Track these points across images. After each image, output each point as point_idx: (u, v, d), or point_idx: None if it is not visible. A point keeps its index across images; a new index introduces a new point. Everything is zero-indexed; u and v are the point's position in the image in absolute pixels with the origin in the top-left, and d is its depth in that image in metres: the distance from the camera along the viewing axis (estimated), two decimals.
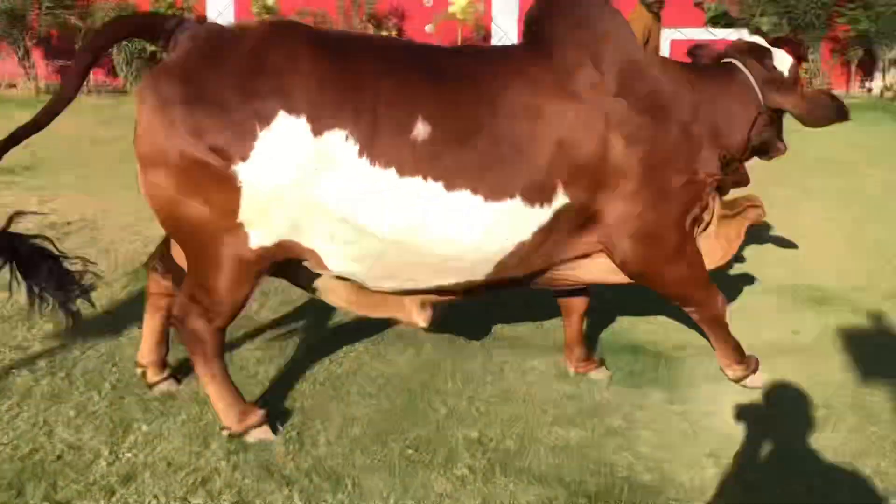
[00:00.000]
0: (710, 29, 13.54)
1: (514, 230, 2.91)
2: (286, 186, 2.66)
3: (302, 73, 2.65)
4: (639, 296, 4.36)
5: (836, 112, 3.31)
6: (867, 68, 15.01)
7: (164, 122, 2.64)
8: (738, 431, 3.13)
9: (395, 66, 2.82)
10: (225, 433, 2.93)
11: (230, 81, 2.63)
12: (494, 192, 2.81)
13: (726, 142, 3.23)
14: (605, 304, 4.37)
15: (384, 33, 13.91)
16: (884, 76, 14.66)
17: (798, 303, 4.44)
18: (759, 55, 3.37)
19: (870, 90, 14.95)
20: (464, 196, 2.79)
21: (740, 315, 4.21)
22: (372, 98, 2.70)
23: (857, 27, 13.84)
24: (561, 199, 2.92)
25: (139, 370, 3.29)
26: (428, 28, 14.60)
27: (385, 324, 3.88)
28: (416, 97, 2.76)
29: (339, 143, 2.66)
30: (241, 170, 2.62)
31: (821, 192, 6.95)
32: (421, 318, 3.09)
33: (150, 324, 3.27)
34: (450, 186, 2.76)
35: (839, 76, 15.06)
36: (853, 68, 14.80)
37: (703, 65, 3.50)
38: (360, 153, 2.68)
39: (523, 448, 3.01)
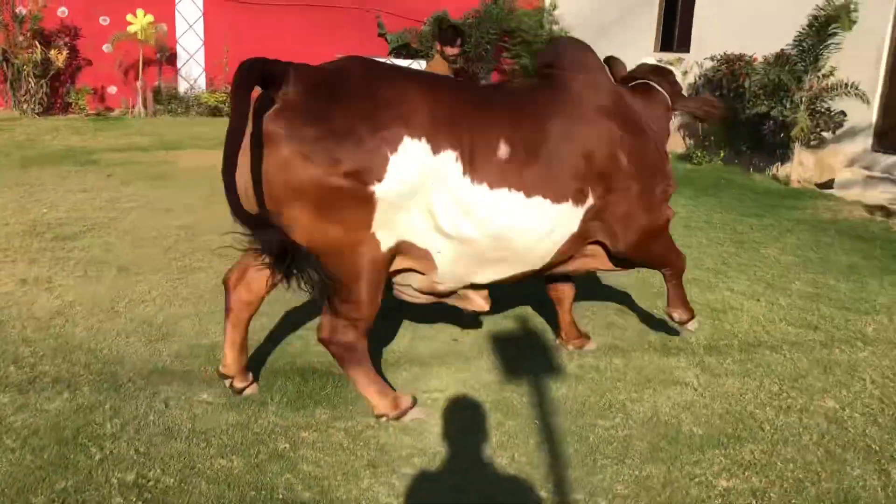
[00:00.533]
0: (392, 59, 14.25)
1: (566, 227, 3.63)
2: (409, 197, 3.15)
3: (416, 105, 3.15)
4: (308, 320, 4.50)
5: (720, 110, 4.26)
6: None
7: (299, 158, 2.96)
8: (395, 440, 3.32)
9: (474, 99, 3.49)
10: (382, 420, 3.40)
11: (356, 115, 3.04)
12: (556, 197, 3.53)
13: (664, 142, 4.10)
14: (280, 330, 4.43)
15: (53, 52, 12.83)
16: None
17: (460, 311, 4.81)
18: (663, 74, 4.27)
19: None
20: (536, 201, 3.47)
21: (408, 330, 4.50)
22: (467, 125, 3.28)
23: (520, 62, 15.38)
24: (589, 201, 3.66)
25: (226, 381, 3.63)
26: (106, 47, 13.73)
27: (30, 369, 3.59)
28: (496, 125, 3.40)
29: (450, 161, 3.22)
30: (377, 189, 3.05)
31: None
32: (486, 302, 3.82)
33: (233, 336, 3.61)
34: (527, 194, 3.44)
35: None
36: None
37: (631, 86, 4.16)
38: (464, 170, 3.26)
39: (184, 483, 2.94)
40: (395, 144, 3.07)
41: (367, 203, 3.07)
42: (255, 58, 3.03)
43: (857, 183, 9.15)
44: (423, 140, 3.14)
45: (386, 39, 15.43)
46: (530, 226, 3.48)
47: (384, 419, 3.42)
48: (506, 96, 3.74)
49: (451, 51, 6.39)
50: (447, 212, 3.25)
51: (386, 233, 3.18)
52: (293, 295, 4.83)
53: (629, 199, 3.77)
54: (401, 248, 3.30)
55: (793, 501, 2.98)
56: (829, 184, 9.63)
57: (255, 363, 3.95)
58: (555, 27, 15.76)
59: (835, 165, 9.87)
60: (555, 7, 15.96)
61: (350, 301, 3.26)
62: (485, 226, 3.36)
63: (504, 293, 5.14)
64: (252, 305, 3.62)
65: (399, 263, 3.42)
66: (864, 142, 9.66)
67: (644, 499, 2.97)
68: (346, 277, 3.19)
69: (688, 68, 12.18)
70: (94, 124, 12.47)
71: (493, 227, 3.39)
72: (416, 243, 3.31)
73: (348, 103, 3.07)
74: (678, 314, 4.22)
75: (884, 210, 8.17)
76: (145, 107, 13.64)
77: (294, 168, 2.97)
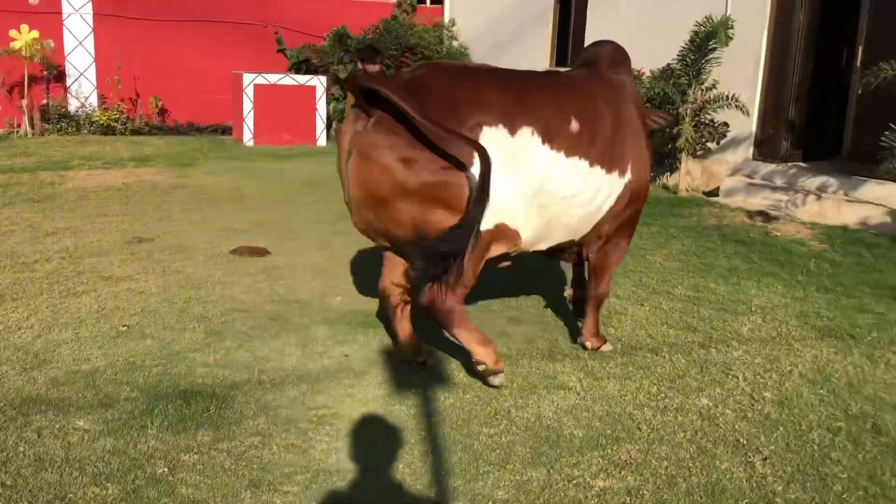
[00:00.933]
0: (292, 75, 14.15)
1: (613, 198, 4.16)
2: (497, 177, 3.55)
3: (488, 97, 3.69)
4: (193, 343, 4.42)
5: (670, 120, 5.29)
6: None
7: (401, 161, 3.49)
8: (279, 458, 3.29)
9: (544, 85, 4.05)
10: (480, 368, 3.81)
11: (441, 115, 3.47)
12: (611, 169, 4.06)
13: None
14: (164, 352, 4.33)
15: None
16: None
17: (351, 327, 4.82)
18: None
19: None
20: (598, 171, 4.00)
21: (300, 346, 4.47)
22: (539, 107, 3.80)
23: None
24: (628, 175, 4.19)
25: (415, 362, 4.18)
26: None
27: None
28: (566, 106, 3.93)
29: (527, 138, 3.72)
30: (470, 175, 3.51)
31: None
32: None
33: (403, 325, 4.15)
34: (591, 164, 3.96)
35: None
36: None
37: None
38: (542, 143, 3.76)
39: None
40: (476, 134, 3.56)
41: (463, 188, 3.54)
42: (353, 77, 3.54)
43: (740, 190, 9.61)
44: (500, 125, 3.66)
45: (285, 55, 15.31)
46: (591, 193, 4.02)
47: (482, 368, 3.81)
48: (562, 82, 4.29)
49: (371, 68, 6.66)
50: (529, 184, 3.75)
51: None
52: (178, 319, 4.77)
53: (642, 174, 4.34)
54: (497, 232, 3.77)
55: (665, 497, 3.11)
56: (715, 192, 10.08)
57: (137, 387, 3.85)
58: (454, 42, 15.99)
59: (720, 174, 10.34)
60: (453, 23, 16.20)
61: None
62: (561, 194, 3.88)
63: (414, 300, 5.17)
64: (406, 299, 4.13)
65: (495, 251, 3.88)
66: (746, 151, 10.17)
67: (524, 503, 3.04)
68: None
69: None
70: None
71: (566, 194, 3.90)
72: (508, 225, 3.79)
73: (432, 106, 3.50)
74: (590, 343, 4.52)
75: (764, 215, 8.61)
76: (32, 126, 13.09)
77: (399, 171, 3.50)
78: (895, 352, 4.70)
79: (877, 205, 8.14)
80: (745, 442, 3.56)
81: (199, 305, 5.09)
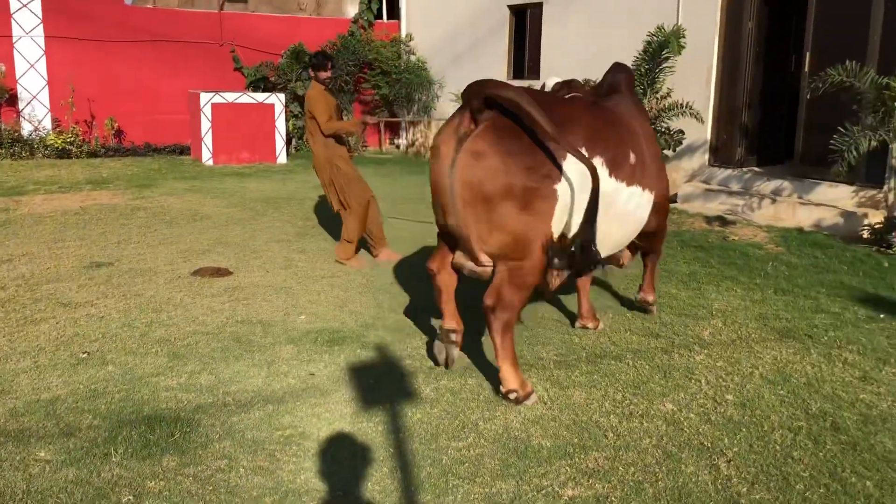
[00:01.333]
0: (250, 93, 14.08)
1: (650, 208, 4.80)
2: (572, 194, 3.98)
3: (578, 122, 4.17)
4: (155, 368, 4.37)
5: None
6: (394, 128, 16.90)
7: (507, 166, 3.84)
8: (246, 481, 3.26)
9: (609, 120, 4.51)
10: (512, 396, 3.98)
11: (540, 132, 3.86)
12: (653, 188, 4.73)
13: None
14: (126, 377, 4.27)
15: None
16: (407, 135, 16.64)
17: (317, 346, 4.79)
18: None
19: (398, 146, 16.84)
20: (647, 193, 4.67)
21: (264, 366, 4.44)
22: (606, 138, 4.31)
23: (380, 92, 15.55)
24: (658, 187, 4.88)
25: (452, 334, 4.39)
26: None
27: None
28: (625, 140, 4.50)
29: (599, 166, 4.12)
30: (558, 187, 3.93)
31: None
32: None
33: (448, 306, 4.38)
34: (643, 189, 4.60)
35: (372, 135, 16.75)
36: (382, 128, 16.56)
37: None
38: (609, 173, 4.27)
39: None
40: (566, 153, 3.91)
41: (552, 198, 3.92)
42: (481, 82, 3.91)
43: (697, 196, 9.78)
44: (583, 149, 4.03)
45: (242, 73, 15.26)
46: (642, 212, 4.67)
47: (514, 396, 3.97)
48: (617, 115, 4.68)
49: (323, 75, 6.78)
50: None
51: (557, 227, 4.00)
52: (140, 344, 4.71)
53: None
54: (561, 241, 4.11)
55: (632, 503, 3.14)
56: (673, 198, 10.23)
57: (99, 414, 3.79)
58: (412, 57, 16.06)
59: (677, 180, 10.51)
60: (410, 38, 16.27)
61: (525, 281, 3.98)
62: (618, 213, 4.40)
63: (364, 324, 5.17)
64: (454, 281, 4.36)
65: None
66: (702, 157, 10.36)
67: None
68: (529, 260, 3.94)
69: None
70: None
71: (622, 214, 4.45)
72: (569, 236, 4.12)
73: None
74: (651, 296, 5.44)
75: (721, 220, 8.77)
76: None
77: (504, 174, 3.82)
78: (851, 350, 4.81)
79: (829, 206, 8.34)
80: (709, 445, 3.61)
81: (160, 329, 5.03)
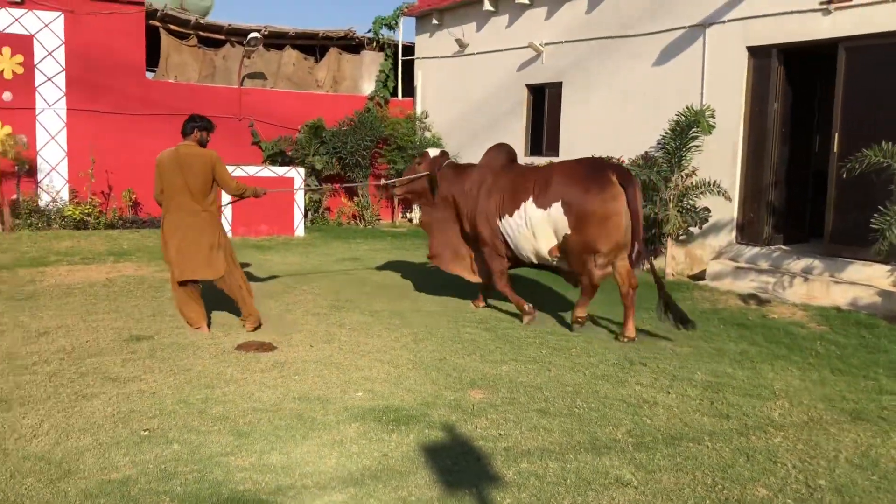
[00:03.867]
0: (270, 166, 14.16)
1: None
2: None
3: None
4: (227, 443, 4.21)
5: None
6: (406, 202, 16.97)
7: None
8: None
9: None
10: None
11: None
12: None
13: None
14: (200, 459, 4.10)
15: None
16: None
17: (382, 425, 4.65)
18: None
19: (411, 220, 16.91)
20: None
21: (334, 446, 4.29)
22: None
23: (395, 167, 15.69)
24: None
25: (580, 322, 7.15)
26: None
27: None
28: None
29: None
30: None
31: (387, 315, 7.56)
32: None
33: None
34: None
35: (385, 209, 16.82)
36: (396, 202, 16.63)
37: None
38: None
39: None
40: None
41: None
42: (623, 169, 7.13)
43: (727, 273, 9.76)
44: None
45: (260, 147, 15.38)
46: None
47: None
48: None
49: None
50: None
51: None
52: (200, 421, 4.55)
53: None
54: None
55: None
56: (700, 275, 10.22)
57: (176, 496, 3.62)
58: (427, 133, 16.26)
59: (703, 258, 10.52)
60: (426, 115, 16.51)
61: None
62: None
63: (425, 402, 5.03)
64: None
65: None
66: (729, 235, 10.39)
67: None
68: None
69: None
70: None
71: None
72: None
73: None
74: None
75: (756, 298, 8.73)
76: (2, 222, 12.78)
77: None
78: None
79: (865, 285, 8.31)
80: None
81: (218, 406, 4.88)
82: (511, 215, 7.24)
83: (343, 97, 16.75)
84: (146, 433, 4.39)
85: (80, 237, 12.36)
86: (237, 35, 16.10)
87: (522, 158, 13.65)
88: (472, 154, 14.80)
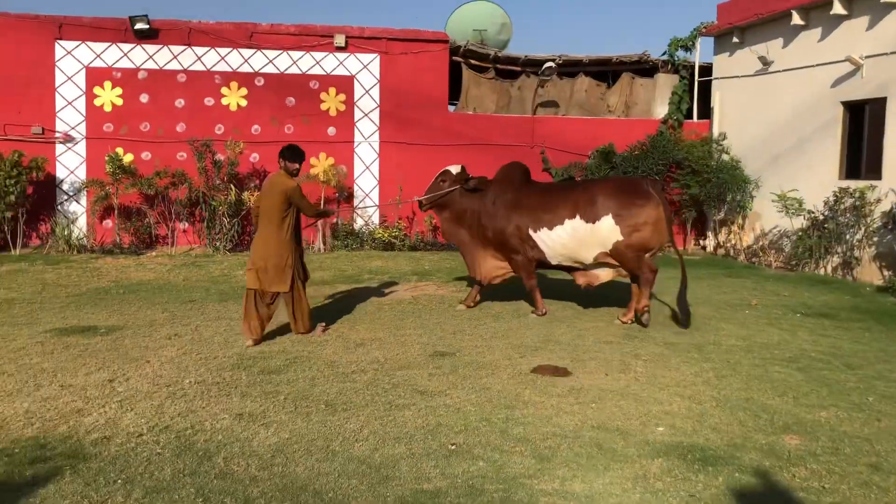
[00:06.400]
0: None
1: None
2: None
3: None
4: (530, 466, 4.24)
5: None
6: (699, 228, 16.29)
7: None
8: None
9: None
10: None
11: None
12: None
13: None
14: (504, 479, 4.19)
15: (245, 194, 13.85)
16: (715, 235, 15.91)
17: (687, 464, 4.42)
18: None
19: (704, 248, 16.16)
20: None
21: (637, 480, 4.15)
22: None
23: (689, 191, 15.09)
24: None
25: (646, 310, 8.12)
26: None
27: None
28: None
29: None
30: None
31: (684, 347, 7.24)
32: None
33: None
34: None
35: (676, 234, 16.25)
36: (688, 228, 16.03)
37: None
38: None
39: None
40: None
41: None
42: (651, 180, 8.36)
43: None
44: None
45: (550, 174, 15.65)
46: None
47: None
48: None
49: (291, 166, 7.38)
50: None
51: None
52: (502, 441, 4.64)
53: None
54: None
55: None
56: None
57: None
58: (724, 156, 15.48)
59: None
60: (724, 137, 15.74)
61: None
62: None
63: (732, 443, 4.69)
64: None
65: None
66: None
67: None
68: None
69: (882, 196, 11.48)
70: None
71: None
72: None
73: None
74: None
75: None
76: (324, 243, 14.30)
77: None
78: None
79: None
80: None
81: (518, 427, 4.97)
82: (551, 229, 8.31)
83: (635, 121, 16.53)
84: (453, 447, 4.59)
85: (387, 258, 13.44)
86: (532, 65, 16.59)
87: (835, 182, 12.47)
88: (773, 179, 13.82)
